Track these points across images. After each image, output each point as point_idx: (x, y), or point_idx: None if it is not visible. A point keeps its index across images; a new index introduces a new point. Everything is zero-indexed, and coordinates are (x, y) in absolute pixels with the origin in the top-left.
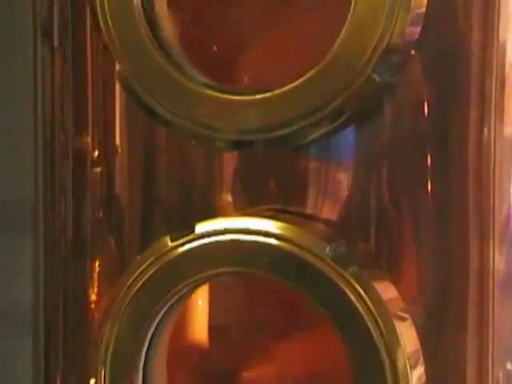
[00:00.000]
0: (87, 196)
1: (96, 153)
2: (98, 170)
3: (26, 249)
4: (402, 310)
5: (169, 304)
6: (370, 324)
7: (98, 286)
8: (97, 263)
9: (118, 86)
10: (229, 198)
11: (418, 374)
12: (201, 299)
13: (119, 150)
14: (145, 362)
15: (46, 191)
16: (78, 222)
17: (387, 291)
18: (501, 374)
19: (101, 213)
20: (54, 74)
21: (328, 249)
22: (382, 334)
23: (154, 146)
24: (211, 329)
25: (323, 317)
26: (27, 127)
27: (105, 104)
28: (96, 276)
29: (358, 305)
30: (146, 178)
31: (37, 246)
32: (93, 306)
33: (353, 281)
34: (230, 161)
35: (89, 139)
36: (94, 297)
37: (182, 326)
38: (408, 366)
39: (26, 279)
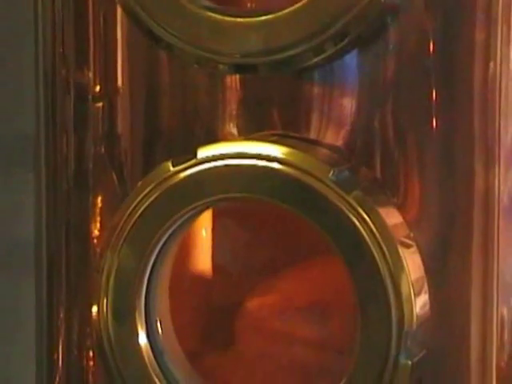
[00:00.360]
0: (89, 131)
1: (98, 87)
2: (100, 104)
3: (28, 185)
4: (407, 237)
5: (171, 230)
6: (373, 249)
7: (101, 222)
8: (99, 198)
9: (119, 17)
10: (231, 124)
11: (421, 301)
12: (204, 230)
13: (121, 83)
14: (147, 290)
15: (48, 126)
16: (79, 157)
17: (392, 217)
18: (505, 311)
19: (102, 148)
20: (55, 6)
21: (331, 173)
22: (386, 259)
23: (156, 77)
24: (214, 260)
25: (326, 245)
26: (28, 62)
27: (106, 37)
28: (98, 211)
29: (362, 229)
30: (148, 111)
31: (39, 182)
32: (95, 241)
33: (356, 205)
34: (232, 86)
35: (90, 74)
36: (96, 232)
37: (184, 256)
38: (412, 293)
39: (28, 215)
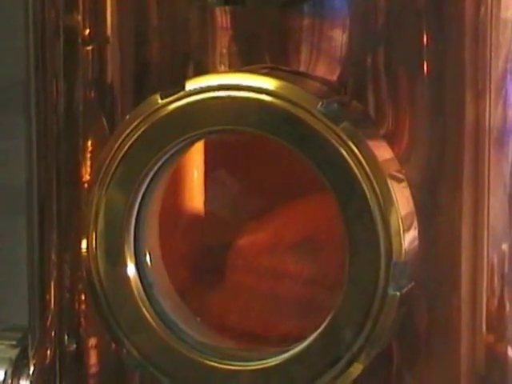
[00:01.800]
0: (78, 75)
1: (87, 31)
2: (90, 47)
3: (19, 130)
4: (398, 171)
5: (160, 163)
6: (362, 181)
7: (91, 166)
8: (89, 143)
9: None
10: (222, 59)
11: (410, 236)
12: (196, 170)
13: (110, 25)
14: (136, 223)
15: (37, 70)
16: (69, 101)
17: (382, 151)
18: (495, 257)
19: (92, 92)
20: None
21: (319, 104)
22: (375, 191)
23: (146, 18)
24: (204, 199)
25: (316, 181)
26: (18, 5)
27: None
28: (89, 156)
29: (350, 161)
30: (138, 52)
31: (29, 126)
32: (86, 185)
33: (345, 137)
34: (222, 19)
35: (79, 16)
36: (87, 176)
37: (175, 195)
38: (401, 227)
39: (19, 160)
